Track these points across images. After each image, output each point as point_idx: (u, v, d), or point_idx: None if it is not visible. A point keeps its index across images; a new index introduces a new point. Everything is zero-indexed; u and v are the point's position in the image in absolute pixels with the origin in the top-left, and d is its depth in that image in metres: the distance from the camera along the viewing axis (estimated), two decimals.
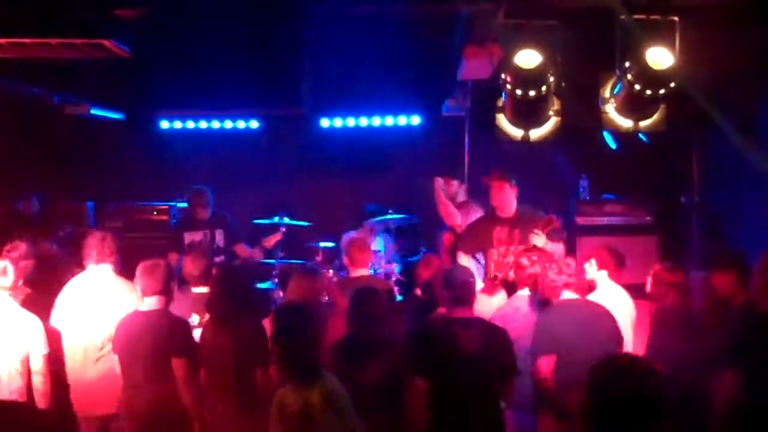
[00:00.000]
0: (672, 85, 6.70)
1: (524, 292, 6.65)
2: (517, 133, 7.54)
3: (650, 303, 6.91)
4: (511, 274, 7.03)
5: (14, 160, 9.26)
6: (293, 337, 4.94)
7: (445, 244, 8.84)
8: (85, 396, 6.49)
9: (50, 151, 10.24)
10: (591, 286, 7.02)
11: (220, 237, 9.21)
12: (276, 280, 9.51)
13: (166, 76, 8.45)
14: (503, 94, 7.31)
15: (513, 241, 7.61)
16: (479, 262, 7.98)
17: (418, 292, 7.36)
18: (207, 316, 6.21)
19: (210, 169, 10.64)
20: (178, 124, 11.17)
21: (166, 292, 6.12)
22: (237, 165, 11.04)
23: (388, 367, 5.65)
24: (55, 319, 6.48)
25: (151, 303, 6.08)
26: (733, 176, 8.78)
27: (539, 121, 7.44)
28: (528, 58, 6.67)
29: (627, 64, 6.75)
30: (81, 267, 6.75)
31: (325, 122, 11.06)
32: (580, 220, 9.13)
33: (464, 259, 7.97)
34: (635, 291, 7.02)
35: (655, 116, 7.32)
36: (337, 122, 11.08)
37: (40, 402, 6.02)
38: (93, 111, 10.09)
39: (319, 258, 9.90)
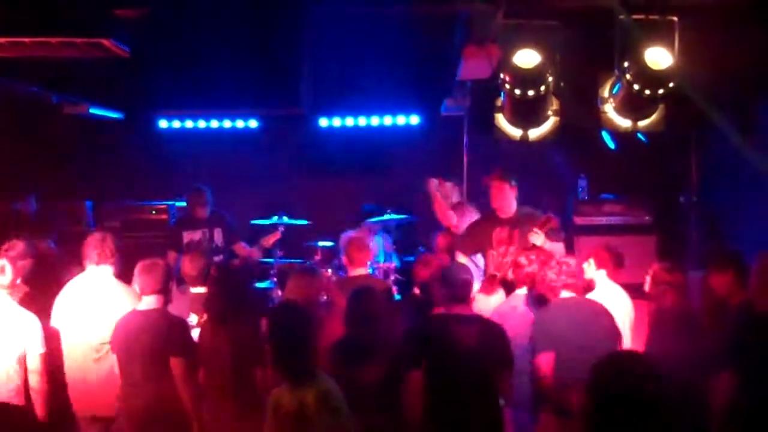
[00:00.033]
0: (671, 85, 6.71)
1: (522, 291, 6.66)
2: (516, 132, 7.54)
3: (649, 303, 6.92)
4: (510, 274, 7.04)
5: (13, 160, 9.26)
6: (288, 336, 4.92)
7: (440, 244, 8.85)
8: (85, 397, 6.48)
9: (49, 151, 10.24)
10: (590, 286, 7.02)
11: (218, 236, 9.21)
12: (275, 279, 9.51)
13: (166, 75, 8.44)
14: (502, 93, 7.31)
15: (513, 241, 7.61)
16: (477, 265, 7.97)
17: (417, 291, 7.36)
18: (205, 316, 6.21)
19: (209, 169, 10.65)
20: (177, 124, 11.18)
21: (164, 292, 6.11)
22: (236, 164, 11.04)
23: (386, 367, 5.65)
24: (55, 319, 6.48)
25: (149, 302, 6.07)
26: (732, 176, 8.79)
27: (538, 121, 7.45)
28: (527, 57, 6.67)
29: (626, 64, 6.75)
30: (79, 266, 6.75)
31: (324, 122, 11.07)
32: (579, 220, 9.14)
33: (463, 260, 7.98)
34: (634, 291, 7.03)
35: (654, 116, 7.32)
36: (336, 122, 11.09)
37: (37, 401, 6.02)
38: (92, 110, 10.08)
39: (317, 257, 9.91)
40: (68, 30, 6.61)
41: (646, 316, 6.97)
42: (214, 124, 11.18)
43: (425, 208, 9.31)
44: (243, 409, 5.76)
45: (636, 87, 6.74)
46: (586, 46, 7.19)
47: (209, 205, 9.15)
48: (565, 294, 6.19)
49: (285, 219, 9.61)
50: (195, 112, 10.86)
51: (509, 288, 7.08)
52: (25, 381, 6.01)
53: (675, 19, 6.62)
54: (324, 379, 4.88)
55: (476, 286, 6.93)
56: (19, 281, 6.40)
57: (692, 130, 9.37)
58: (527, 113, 7.40)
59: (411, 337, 5.86)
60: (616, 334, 6.10)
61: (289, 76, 8.52)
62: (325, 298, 7.47)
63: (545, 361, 5.85)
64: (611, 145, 9.05)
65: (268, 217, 9.63)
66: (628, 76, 6.75)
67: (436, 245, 8.89)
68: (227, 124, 11.19)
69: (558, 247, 7.61)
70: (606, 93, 7.34)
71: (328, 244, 10.12)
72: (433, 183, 8.96)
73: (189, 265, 6.89)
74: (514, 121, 7.49)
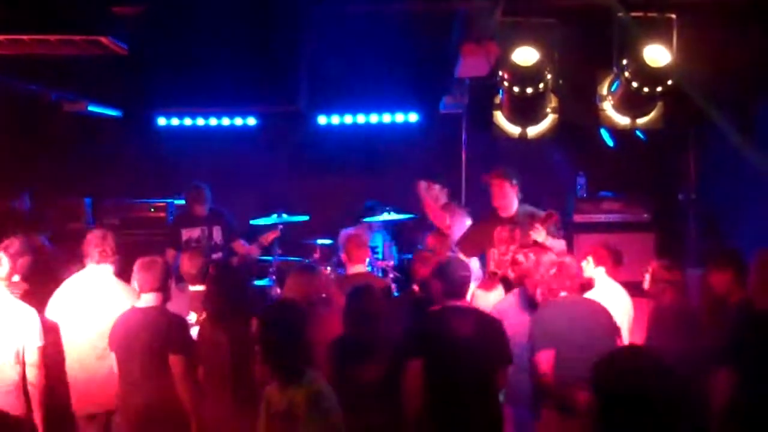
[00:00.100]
0: (669, 82, 6.71)
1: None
2: (514, 130, 7.55)
3: (648, 300, 6.92)
4: (510, 272, 7.05)
5: (12, 157, 9.24)
6: (278, 335, 4.89)
7: (430, 245, 8.89)
8: (86, 394, 6.49)
9: (48, 148, 10.22)
10: (589, 284, 7.03)
11: (217, 233, 9.21)
12: (273, 277, 9.50)
13: (164, 73, 8.42)
14: (501, 91, 7.31)
15: (514, 240, 7.61)
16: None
17: (416, 288, 7.37)
18: (204, 314, 6.21)
19: (207, 167, 10.64)
20: (175, 121, 11.17)
21: (163, 289, 6.12)
22: (234, 162, 11.03)
23: (386, 365, 5.66)
24: (54, 315, 6.48)
25: (148, 300, 6.08)
26: (731, 174, 8.78)
27: (537, 119, 7.45)
28: (525, 55, 6.67)
29: (624, 62, 6.75)
30: (78, 263, 6.74)
31: (322, 119, 11.07)
32: (578, 218, 9.14)
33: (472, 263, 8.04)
34: (633, 288, 7.04)
35: (653, 114, 7.33)
36: (335, 119, 11.09)
37: (34, 396, 6.03)
38: (91, 108, 10.08)
39: (316, 255, 9.89)
40: (67, 27, 6.60)
41: (646, 313, 6.97)
42: (213, 121, 11.17)
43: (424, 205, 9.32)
44: (242, 406, 5.76)
45: (634, 84, 6.75)
46: (585, 43, 7.19)
47: (208, 203, 9.15)
48: (563, 294, 6.20)
49: (284, 216, 9.59)
50: (194, 110, 10.85)
51: (509, 285, 7.09)
52: (23, 378, 6.02)
53: (673, 16, 6.63)
54: (315, 378, 4.85)
55: (472, 286, 6.95)
56: (18, 279, 6.42)
57: (691, 127, 9.37)
58: (526, 111, 7.40)
59: (410, 332, 5.89)
60: (615, 331, 6.11)
61: (288, 73, 8.51)
62: (324, 295, 7.47)
63: (545, 359, 5.86)
64: (610, 142, 9.06)
65: (267, 214, 9.61)
66: (626, 74, 6.76)
67: (426, 246, 8.93)
68: (226, 121, 11.19)
69: (559, 244, 7.64)
70: (604, 90, 7.34)
71: (327, 241, 10.12)
72: (422, 186, 9.01)
73: (188, 263, 6.89)
74: (513, 119, 7.49)
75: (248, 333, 5.82)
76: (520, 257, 6.68)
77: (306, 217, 9.74)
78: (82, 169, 10.50)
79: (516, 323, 6.29)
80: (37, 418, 6.06)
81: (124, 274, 6.61)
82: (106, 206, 10.54)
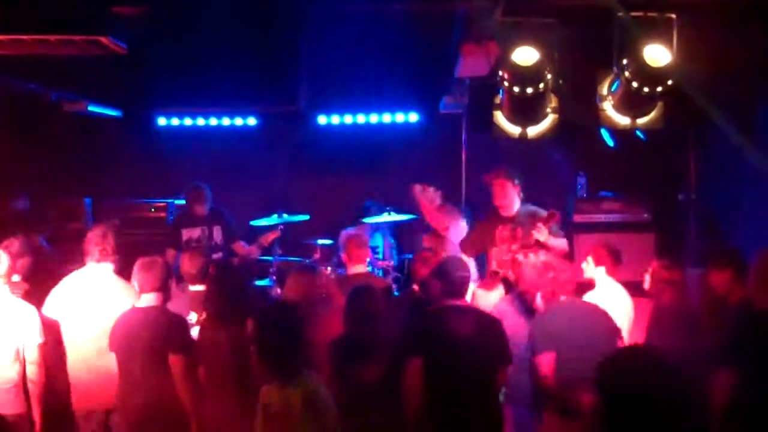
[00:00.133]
0: (669, 82, 6.70)
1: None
2: (514, 130, 7.54)
3: (648, 300, 6.92)
4: (510, 273, 7.06)
5: (12, 157, 9.24)
6: (273, 335, 4.89)
7: (426, 246, 8.91)
8: (86, 391, 6.48)
9: (48, 148, 10.21)
10: (590, 284, 7.03)
11: (218, 233, 9.21)
12: (273, 277, 9.50)
13: (164, 73, 8.42)
14: (501, 91, 7.30)
15: (516, 240, 7.62)
16: None
17: (416, 288, 7.37)
18: (204, 314, 6.21)
19: (208, 166, 10.64)
20: (175, 121, 11.17)
21: (163, 289, 6.13)
22: (234, 162, 11.03)
23: (386, 365, 5.66)
24: (54, 312, 6.48)
25: (148, 300, 6.08)
26: (731, 174, 8.79)
27: (537, 119, 7.44)
28: (525, 55, 6.66)
29: (624, 62, 6.75)
30: (78, 263, 6.74)
31: (322, 119, 11.06)
32: (578, 218, 9.13)
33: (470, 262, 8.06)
34: (633, 288, 7.04)
35: (653, 114, 7.32)
36: (335, 119, 11.08)
37: (34, 393, 6.05)
38: (91, 108, 10.08)
39: (316, 255, 9.90)
40: (67, 27, 6.60)
41: (646, 313, 6.97)
42: (213, 121, 11.17)
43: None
44: (243, 406, 5.75)
45: (635, 84, 6.74)
46: (585, 43, 7.18)
47: (208, 203, 9.14)
48: (562, 298, 6.21)
49: (284, 216, 9.59)
50: (194, 110, 10.85)
51: (510, 285, 7.10)
52: (23, 376, 6.03)
53: (673, 16, 6.62)
54: (311, 378, 4.85)
55: (472, 285, 6.96)
56: (18, 279, 6.43)
57: (691, 127, 9.36)
58: (526, 111, 7.40)
59: (409, 331, 5.90)
60: (616, 332, 6.11)
61: (288, 73, 8.50)
62: (324, 295, 7.47)
63: (546, 361, 5.86)
64: (610, 142, 9.06)
65: (267, 214, 9.61)
66: (626, 74, 6.75)
67: (422, 247, 8.97)
68: (226, 121, 11.18)
69: (561, 243, 7.66)
70: (605, 90, 7.33)
71: (327, 241, 10.12)
72: (417, 188, 9.03)
73: (188, 263, 6.89)
74: (513, 119, 7.48)
75: (249, 333, 5.84)
76: (520, 257, 6.68)
77: (306, 217, 9.74)
78: (82, 169, 10.50)
79: (515, 323, 6.30)
80: (36, 414, 6.10)
81: (123, 274, 6.62)
82: (106, 206, 10.54)
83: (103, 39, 6.71)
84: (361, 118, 11.07)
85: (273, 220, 9.47)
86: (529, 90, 6.83)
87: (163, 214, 10.61)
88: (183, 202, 9.72)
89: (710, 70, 7.08)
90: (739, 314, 5.96)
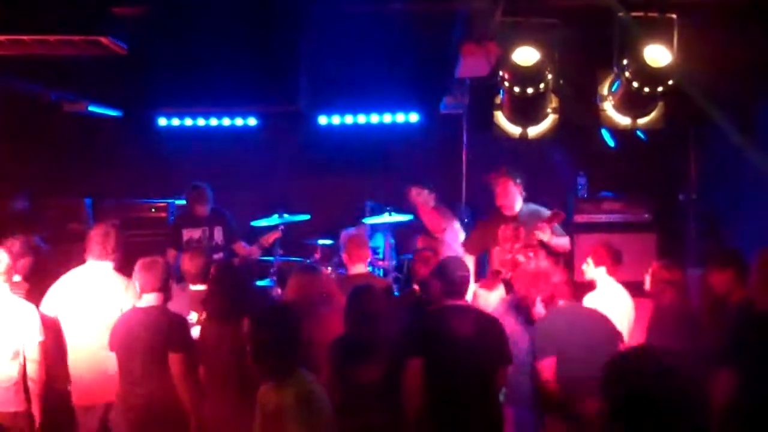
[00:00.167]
0: (670, 82, 6.70)
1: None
2: (515, 130, 7.54)
3: (649, 300, 6.91)
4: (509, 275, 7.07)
5: (12, 158, 9.25)
6: (268, 335, 4.87)
7: (420, 248, 8.94)
8: (88, 385, 6.48)
9: (48, 149, 10.22)
10: (591, 285, 7.03)
11: (219, 234, 9.20)
12: (274, 277, 9.50)
13: (164, 73, 8.43)
14: (501, 91, 7.31)
15: (518, 239, 7.63)
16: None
17: (416, 288, 7.37)
18: (205, 314, 6.21)
19: (208, 167, 10.62)
20: (176, 122, 11.17)
21: (164, 289, 6.14)
22: (235, 162, 11.02)
23: (386, 365, 5.66)
24: (53, 309, 6.49)
25: (149, 300, 6.09)
26: (731, 174, 8.79)
27: (537, 119, 7.44)
28: (526, 55, 6.66)
29: (625, 62, 6.74)
30: (74, 263, 6.74)
31: (323, 119, 11.06)
32: (579, 218, 9.13)
33: (468, 260, 8.05)
34: (634, 288, 7.03)
35: (653, 114, 7.32)
36: (336, 120, 11.08)
37: (34, 391, 6.06)
38: (91, 108, 10.08)
39: (317, 255, 9.90)
40: (67, 28, 6.61)
41: (647, 314, 6.96)
42: (214, 122, 11.17)
43: None
44: (244, 407, 5.74)
45: (635, 84, 6.74)
46: (585, 43, 7.18)
47: (209, 203, 9.13)
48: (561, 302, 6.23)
49: (285, 216, 9.58)
50: (194, 110, 10.85)
51: (510, 287, 7.10)
52: (23, 374, 6.04)
53: (674, 16, 6.61)
54: (306, 378, 4.85)
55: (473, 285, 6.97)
56: (19, 279, 6.44)
57: (691, 127, 9.37)
58: (526, 111, 7.40)
59: (409, 331, 5.89)
60: (617, 336, 6.10)
61: (288, 73, 8.51)
62: (325, 295, 7.47)
63: (547, 366, 5.86)
64: (610, 142, 9.05)
65: (268, 215, 9.61)
66: (627, 74, 6.75)
67: (417, 248, 8.99)
68: (226, 122, 11.19)
69: (564, 242, 7.69)
70: (605, 90, 7.33)
71: (328, 242, 10.11)
72: (414, 191, 9.05)
73: (189, 263, 6.89)
74: (514, 119, 7.48)
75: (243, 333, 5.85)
76: (521, 258, 6.69)
77: (307, 217, 9.73)
78: (83, 170, 10.50)
79: (514, 324, 6.30)
80: (36, 410, 6.14)
81: (124, 272, 6.62)
82: (107, 206, 10.53)
83: (103, 39, 6.71)
84: (361, 119, 11.07)
85: (273, 220, 9.45)
86: (530, 90, 6.83)
87: (163, 215, 10.61)
88: (184, 202, 9.71)
89: (711, 71, 7.07)
90: (739, 314, 5.95)
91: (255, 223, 9.64)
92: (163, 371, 5.88)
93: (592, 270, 7.06)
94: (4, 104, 9.12)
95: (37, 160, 9.83)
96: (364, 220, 9.89)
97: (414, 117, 10.99)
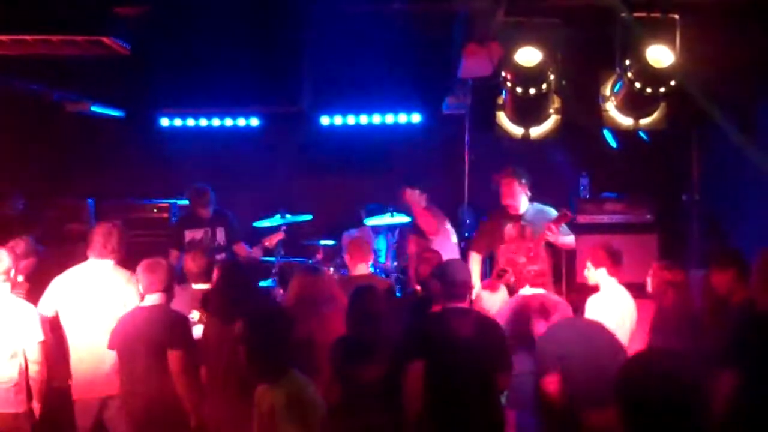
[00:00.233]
0: (672, 83, 6.69)
1: (524, 292, 6.67)
2: (517, 131, 7.54)
3: (651, 301, 6.90)
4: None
5: (14, 157, 9.26)
6: (261, 336, 4.90)
7: (411, 249, 8.94)
8: (90, 379, 6.47)
9: (50, 149, 10.24)
10: (594, 288, 7.01)
11: (221, 235, 9.19)
12: (276, 278, 9.49)
13: (166, 73, 8.44)
14: (503, 91, 7.30)
15: (524, 238, 7.64)
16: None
17: (418, 288, 7.37)
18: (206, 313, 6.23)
19: (210, 167, 10.62)
20: (178, 122, 11.15)
21: (167, 290, 6.15)
22: (237, 163, 11.02)
23: (387, 365, 5.66)
24: (53, 305, 6.50)
25: (152, 300, 6.11)
26: (734, 175, 8.78)
27: (539, 119, 7.44)
28: (528, 55, 6.66)
29: (627, 62, 6.74)
30: (74, 263, 6.75)
31: (325, 120, 11.04)
32: (581, 219, 9.11)
33: (475, 259, 8.10)
34: (636, 290, 7.02)
35: (656, 114, 7.31)
36: (338, 120, 11.06)
37: (35, 390, 6.07)
38: (93, 108, 10.08)
39: (319, 256, 9.90)
40: (69, 28, 6.62)
41: (649, 315, 6.95)
42: (216, 122, 11.15)
43: None
44: (244, 407, 5.74)
45: (637, 85, 6.73)
46: (588, 44, 7.18)
47: (212, 205, 9.12)
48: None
49: (287, 217, 9.57)
50: (196, 111, 10.84)
51: (511, 290, 7.12)
52: (23, 374, 6.05)
53: (676, 17, 6.61)
54: (298, 379, 4.86)
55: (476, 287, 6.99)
56: (21, 279, 6.45)
57: (694, 128, 9.37)
58: (528, 111, 7.39)
59: (410, 333, 5.89)
60: (621, 346, 6.07)
61: (290, 74, 8.52)
62: (327, 296, 7.47)
63: (551, 381, 5.84)
64: (613, 143, 9.04)
65: (270, 215, 9.60)
66: (629, 74, 6.74)
67: (408, 249, 8.98)
68: (228, 122, 11.16)
69: (570, 240, 7.72)
70: (607, 91, 7.32)
71: (330, 242, 10.11)
72: (409, 192, 9.09)
73: (191, 262, 6.89)
74: (516, 120, 7.48)
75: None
76: (522, 259, 6.69)
77: (309, 217, 9.73)
78: (85, 170, 10.51)
79: None
80: (36, 408, 6.16)
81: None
82: (109, 207, 10.53)
83: (105, 39, 6.72)
84: (363, 119, 11.05)
85: (275, 220, 9.44)
86: (532, 90, 6.83)
87: (165, 215, 10.62)
88: (186, 202, 9.71)
89: (713, 71, 7.08)
90: (741, 315, 5.95)
91: (257, 224, 9.63)
92: (164, 370, 5.90)
93: (593, 273, 7.02)
94: (6, 104, 9.14)
95: (39, 160, 9.85)
96: (365, 221, 9.88)
97: (416, 117, 10.97)
